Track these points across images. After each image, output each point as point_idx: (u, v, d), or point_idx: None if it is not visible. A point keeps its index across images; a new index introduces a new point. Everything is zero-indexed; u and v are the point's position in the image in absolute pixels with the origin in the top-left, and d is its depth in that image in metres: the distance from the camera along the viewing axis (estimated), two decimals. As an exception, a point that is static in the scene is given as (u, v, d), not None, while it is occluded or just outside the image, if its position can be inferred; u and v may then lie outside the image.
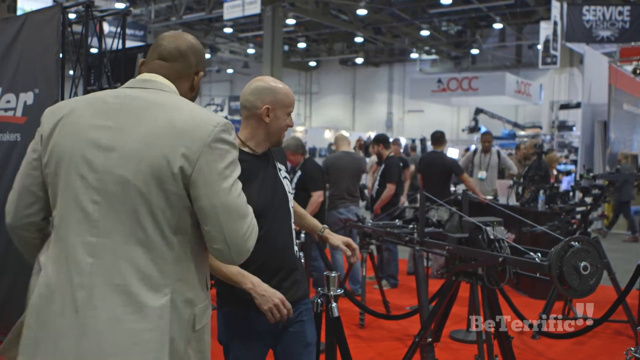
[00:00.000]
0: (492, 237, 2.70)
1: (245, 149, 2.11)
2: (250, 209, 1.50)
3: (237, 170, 1.48)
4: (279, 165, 2.24)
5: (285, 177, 2.24)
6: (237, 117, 21.72)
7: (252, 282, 1.98)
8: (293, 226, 2.21)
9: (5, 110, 3.95)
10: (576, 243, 2.24)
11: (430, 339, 3.18)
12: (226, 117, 23.60)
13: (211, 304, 1.60)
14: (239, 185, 1.47)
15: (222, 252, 1.46)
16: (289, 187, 2.23)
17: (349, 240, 2.40)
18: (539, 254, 2.40)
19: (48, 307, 1.42)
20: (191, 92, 1.64)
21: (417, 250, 3.82)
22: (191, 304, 1.46)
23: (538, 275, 2.45)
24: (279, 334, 2.15)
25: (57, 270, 1.44)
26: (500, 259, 2.57)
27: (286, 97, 2.11)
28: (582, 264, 2.20)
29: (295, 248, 2.21)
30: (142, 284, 1.39)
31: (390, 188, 6.09)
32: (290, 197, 2.21)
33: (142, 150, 1.40)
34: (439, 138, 6.76)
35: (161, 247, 1.41)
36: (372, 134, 18.05)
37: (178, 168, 1.39)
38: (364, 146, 10.81)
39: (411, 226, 4.13)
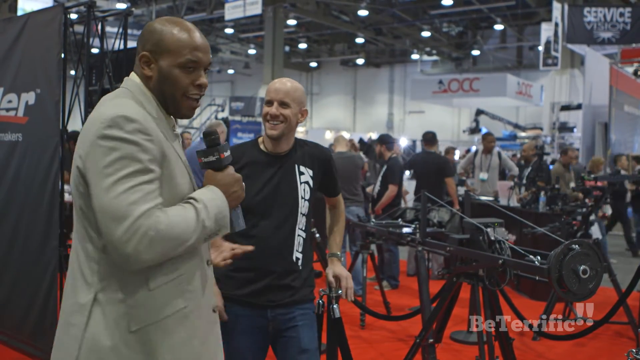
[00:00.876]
0: (492, 238, 2.70)
1: (261, 147, 2.22)
2: (136, 210, 1.32)
3: (128, 168, 1.34)
4: (302, 169, 2.22)
5: (306, 182, 2.22)
6: (237, 118, 21.66)
7: None
8: (298, 232, 2.19)
9: (7, 110, 3.96)
10: (576, 246, 2.24)
11: (431, 340, 3.18)
12: (227, 118, 22.98)
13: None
14: (125, 184, 1.33)
15: (111, 255, 1.38)
16: (305, 193, 2.21)
17: (342, 274, 2.33)
18: (539, 257, 2.40)
19: None
20: (147, 80, 1.52)
21: (420, 250, 3.83)
22: (122, 303, 1.40)
23: (537, 278, 2.45)
24: (274, 336, 2.18)
25: None
26: (500, 262, 2.57)
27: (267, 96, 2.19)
28: (582, 267, 2.19)
29: (296, 254, 2.19)
30: (80, 281, 1.44)
31: (392, 189, 6.09)
32: (303, 202, 2.20)
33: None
34: (431, 139, 6.82)
35: (90, 246, 1.44)
36: (374, 135, 18.02)
37: (76, 168, 1.42)
38: (355, 147, 10.78)
39: (413, 226, 4.13)
